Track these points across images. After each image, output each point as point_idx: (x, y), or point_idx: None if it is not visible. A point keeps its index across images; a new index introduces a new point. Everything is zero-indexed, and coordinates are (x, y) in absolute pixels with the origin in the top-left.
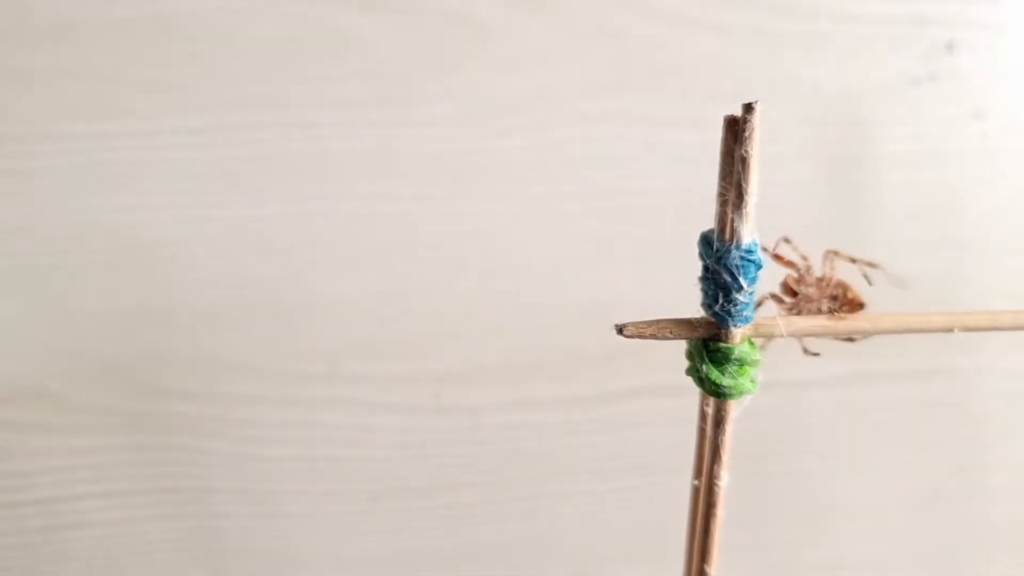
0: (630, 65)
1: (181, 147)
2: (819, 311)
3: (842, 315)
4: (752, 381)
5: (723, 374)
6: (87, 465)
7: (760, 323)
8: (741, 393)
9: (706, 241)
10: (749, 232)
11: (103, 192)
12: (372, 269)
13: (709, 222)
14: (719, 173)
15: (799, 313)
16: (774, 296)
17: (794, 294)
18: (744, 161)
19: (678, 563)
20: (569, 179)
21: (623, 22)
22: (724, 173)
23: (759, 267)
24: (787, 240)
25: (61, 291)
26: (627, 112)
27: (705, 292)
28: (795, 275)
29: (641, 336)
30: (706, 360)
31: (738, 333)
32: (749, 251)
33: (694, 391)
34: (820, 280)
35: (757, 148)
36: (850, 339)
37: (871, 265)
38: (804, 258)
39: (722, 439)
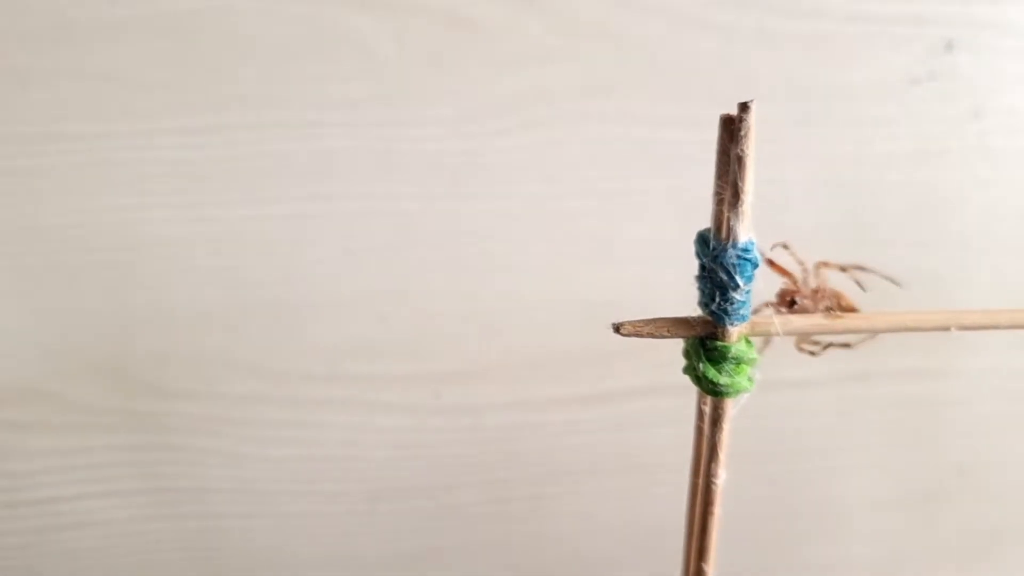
0: (629, 65)
1: (181, 147)
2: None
3: (839, 313)
4: (749, 379)
5: (720, 372)
6: (87, 465)
7: (757, 322)
8: (738, 391)
9: (703, 240)
10: (745, 231)
11: (103, 192)
12: (372, 269)
13: (708, 221)
14: (715, 172)
15: None
16: (770, 305)
17: (790, 304)
18: (740, 160)
19: (677, 562)
20: (569, 179)
21: (623, 22)
22: (720, 172)
23: (755, 266)
24: (785, 246)
25: (61, 291)
26: (627, 112)
27: (702, 291)
28: (791, 286)
29: (638, 335)
30: (703, 358)
31: (735, 332)
32: (746, 250)
33: (693, 390)
34: (815, 292)
35: (753, 147)
36: (846, 345)
37: (861, 269)
38: (802, 263)
39: (719, 437)
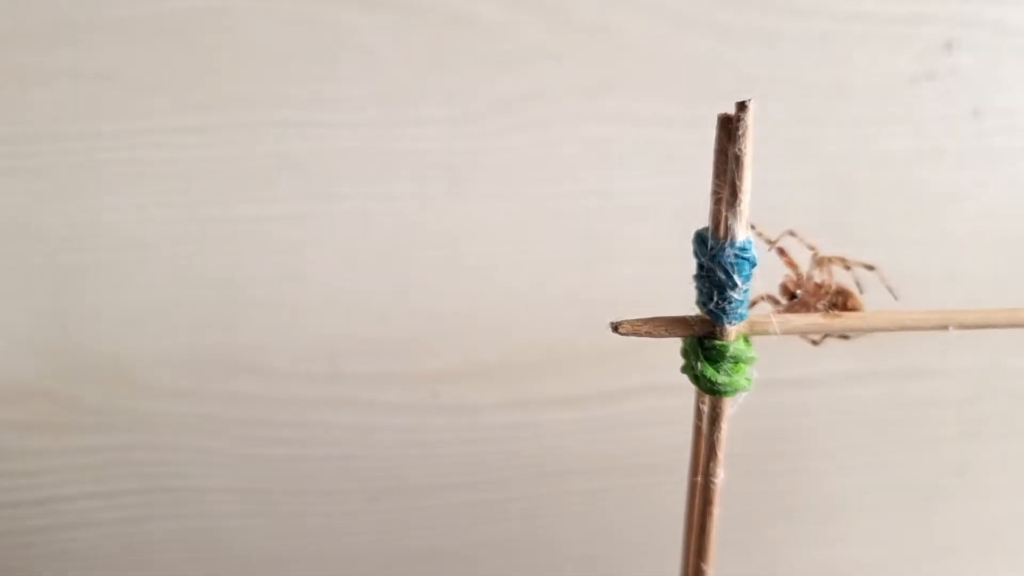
0: (629, 64)
1: (181, 147)
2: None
3: (837, 312)
4: (747, 378)
5: (718, 371)
6: (87, 465)
7: (755, 320)
8: (736, 390)
9: (700, 239)
10: (743, 230)
11: (103, 192)
12: (372, 269)
13: (707, 221)
14: (713, 171)
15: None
16: (769, 297)
17: (791, 296)
18: (738, 159)
19: (676, 562)
20: (568, 178)
21: (621, 21)
22: (718, 171)
23: (753, 265)
24: (792, 233)
25: (61, 291)
26: (626, 111)
27: (700, 290)
28: (794, 278)
29: (636, 334)
30: (701, 357)
31: (733, 330)
32: (743, 249)
33: (692, 390)
34: (819, 287)
35: (751, 146)
36: (845, 336)
37: (868, 268)
38: (812, 248)
39: (718, 436)
